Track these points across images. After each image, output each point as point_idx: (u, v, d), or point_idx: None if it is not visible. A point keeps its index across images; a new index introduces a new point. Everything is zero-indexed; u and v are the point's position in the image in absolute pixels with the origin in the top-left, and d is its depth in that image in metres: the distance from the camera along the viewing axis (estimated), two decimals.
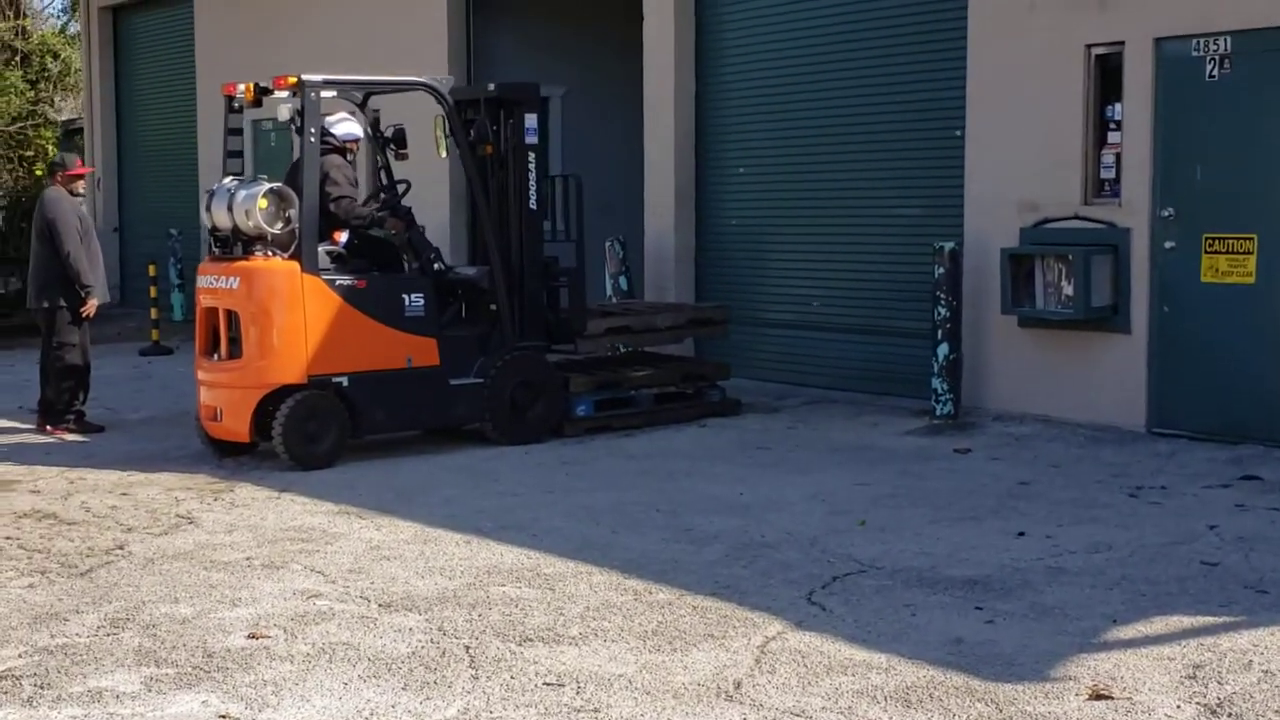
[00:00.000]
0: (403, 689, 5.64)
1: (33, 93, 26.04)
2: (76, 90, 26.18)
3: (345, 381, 10.21)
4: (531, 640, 6.22)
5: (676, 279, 13.77)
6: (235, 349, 10.22)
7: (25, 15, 27.21)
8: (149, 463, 10.46)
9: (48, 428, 11.79)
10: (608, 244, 13.77)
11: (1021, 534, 7.95)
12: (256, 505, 9.01)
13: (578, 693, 5.59)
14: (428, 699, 5.53)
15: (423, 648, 6.12)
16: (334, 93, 10.96)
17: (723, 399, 11.96)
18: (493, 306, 10.90)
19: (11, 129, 25.46)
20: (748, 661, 5.94)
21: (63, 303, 11.71)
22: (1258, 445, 9.74)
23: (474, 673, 5.81)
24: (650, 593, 6.92)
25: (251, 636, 6.26)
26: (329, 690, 5.62)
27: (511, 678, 5.75)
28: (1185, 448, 9.96)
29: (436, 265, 10.88)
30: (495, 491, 9.30)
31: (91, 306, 11.84)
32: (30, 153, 26.10)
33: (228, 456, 10.48)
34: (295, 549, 7.84)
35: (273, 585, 7.10)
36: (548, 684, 5.68)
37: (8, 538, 8.21)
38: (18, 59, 26.24)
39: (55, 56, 26.18)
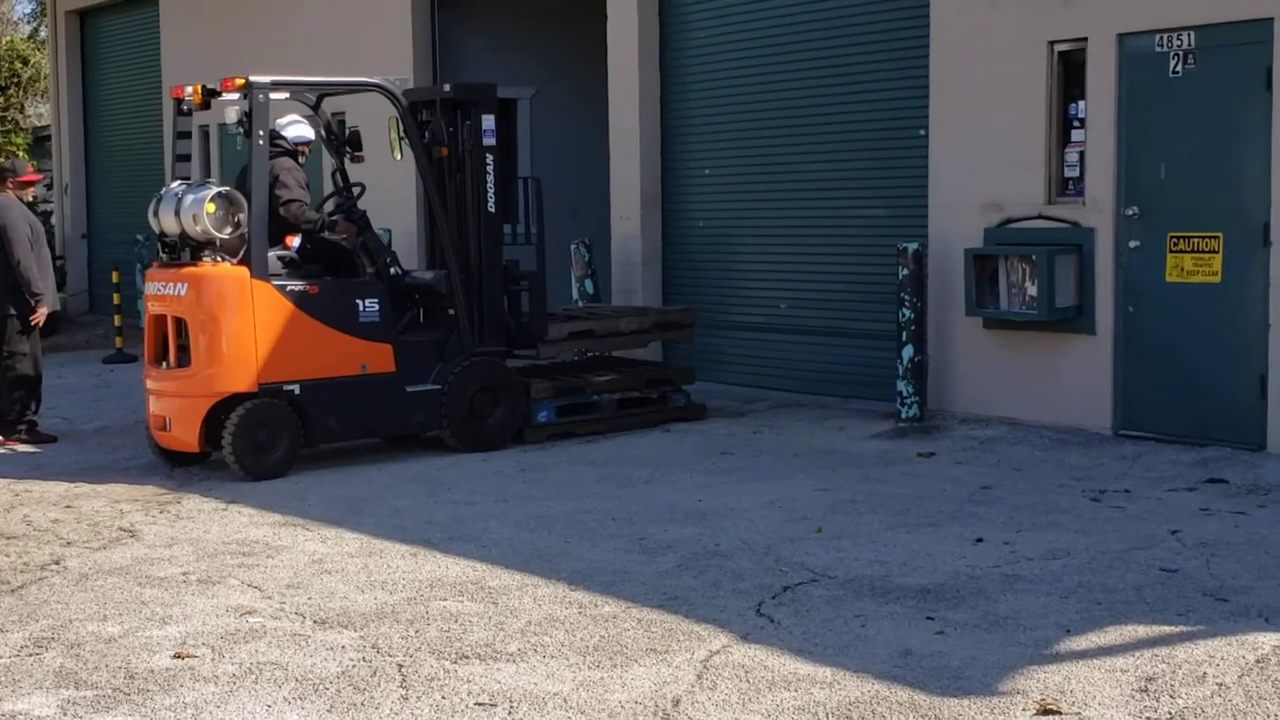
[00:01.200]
0: (328, 710, 5.45)
1: (2, 99, 25.81)
2: (46, 96, 25.95)
3: (297, 389, 10.01)
4: (468, 657, 6.03)
5: (644, 282, 13.60)
6: (184, 357, 10.02)
7: None
8: (98, 474, 10.26)
9: None
10: (573, 247, 13.59)
11: (979, 540, 7.79)
12: (201, 517, 8.82)
13: (510, 713, 5.41)
14: None
15: (354, 667, 5.93)
16: (285, 94, 10.79)
17: (688, 403, 11.78)
18: (450, 311, 10.72)
19: None
20: (689, 677, 5.76)
21: (13, 311, 11.51)
22: (1225, 447, 9.57)
23: (404, 693, 5.63)
24: (596, 605, 6.75)
25: (177, 656, 6.07)
26: (251, 713, 5.44)
27: (442, 698, 5.57)
28: (1151, 450, 9.80)
29: (392, 269, 10.71)
30: (448, 501, 9.11)
31: (41, 315, 11.65)
32: (1, 158, 25.87)
33: (179, 467, 10.29)
34: (235, 563, 7.65)
35: (206, 602, 6.91)
36: (479, 704, 5.50)
37: None
38: None
39: (25, 62, 25.95)
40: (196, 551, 7.93)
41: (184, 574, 7.45)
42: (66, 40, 22.12)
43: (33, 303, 11.47)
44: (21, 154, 25.80)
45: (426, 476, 9.88)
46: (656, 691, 5.61)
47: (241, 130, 10.14)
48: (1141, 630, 6.23)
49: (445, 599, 6.88)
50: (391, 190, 13.89)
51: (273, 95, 10.29)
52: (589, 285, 13.47)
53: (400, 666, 5.92)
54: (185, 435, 9.98)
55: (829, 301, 12.37)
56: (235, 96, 10.13)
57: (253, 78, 9.98)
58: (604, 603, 6.78)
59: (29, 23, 27.34)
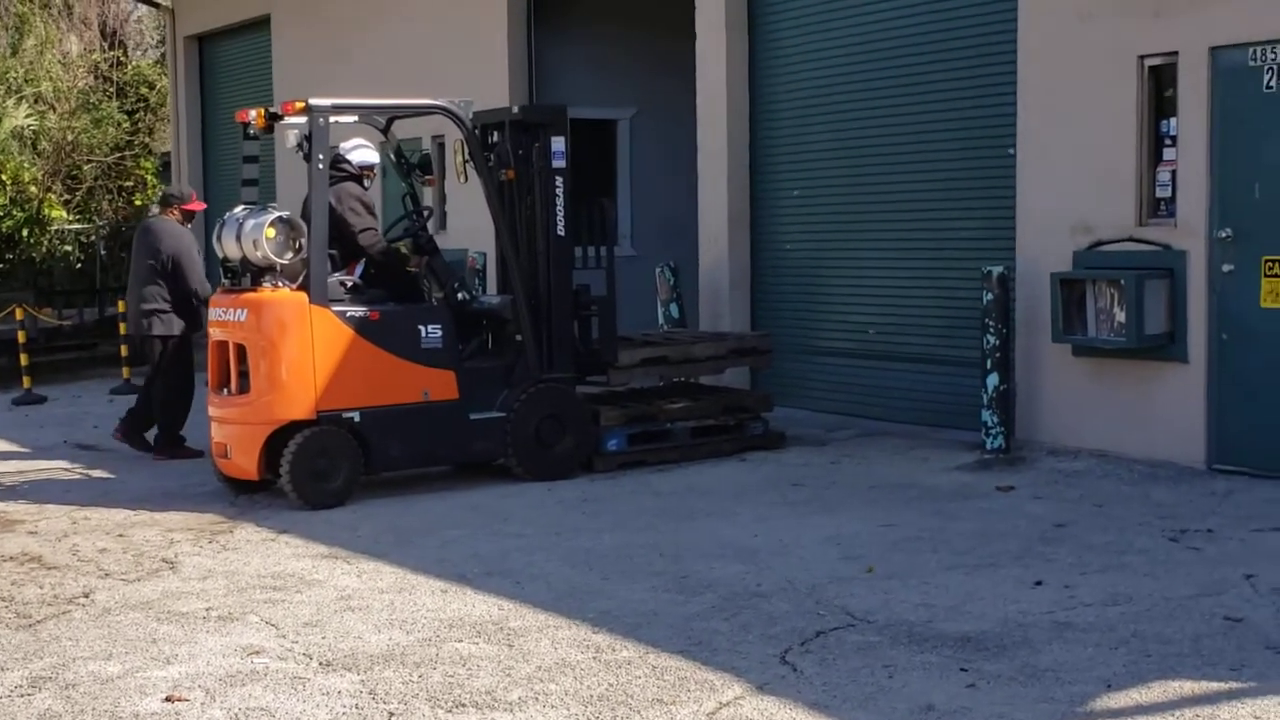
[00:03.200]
0: None
1: (129, 123, 26.15)
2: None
3: (357, 417, 9.84)
4: (465, 706, 5.77)
5: (731, 306, 13.26)
6: (245, 383, 9.90)
7: (122, 46, 27.40)
8: (164, 500, 10.18)
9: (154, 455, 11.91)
10: (658, 270, 13.31)
11: (1039, 583, 7.36)
12: (247, 548, 8.67)
13: None
14: None
15: (343, 714, 5.69)
16: (354, 118, 10.67)
17: (766, 431, 11.42)
18: (518, 337, 10.49)
19: (110, 159, 25.57)
20: None
21: (164, 331, 11.80)
22: None
23: None
24: (614, 650, 6.45)
25: (168, 700, 5.88)
26: None
27: None
28: (1244, 486, 9.27)
29: (459, 294, 10.49)
30: (500, 533, 8.87)
31: None
32: (129, 183, 26.19)
33: (243, 494, 10.18)
34: (262, 598, 7.46)
35: (218, 640, 6.72)
36: None
37: None
38: (114, 90, 26.40)
39: (151, 87, 26.28)
40: (229, 585, 7.77)
41: (207, 609, 7.28)
42: (185, 64, 22.37)
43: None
44: (150, 179, 26.08)
45: (485, 507, 9.65)
46: None
47: (302, 154, 10.00)
48: (1188, 686, 5.79)
49: (460, 640, 6.62)
50: (479, 215, 13.70)
51: (337, 119, 10.17)
52: (674, 309, 13.17)
53: (391, 715, 5.67)
54: (245, 463, 9.86)
55: (918, 326, 11.94)
56: (299, 120, 9.99)
57: (313, 100, 9.84)
58: (623, 646, 6.48)
59: (157, 48, 27.72)
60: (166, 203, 12.45)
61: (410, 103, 10.91)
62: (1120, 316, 9.92)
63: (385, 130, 10.90)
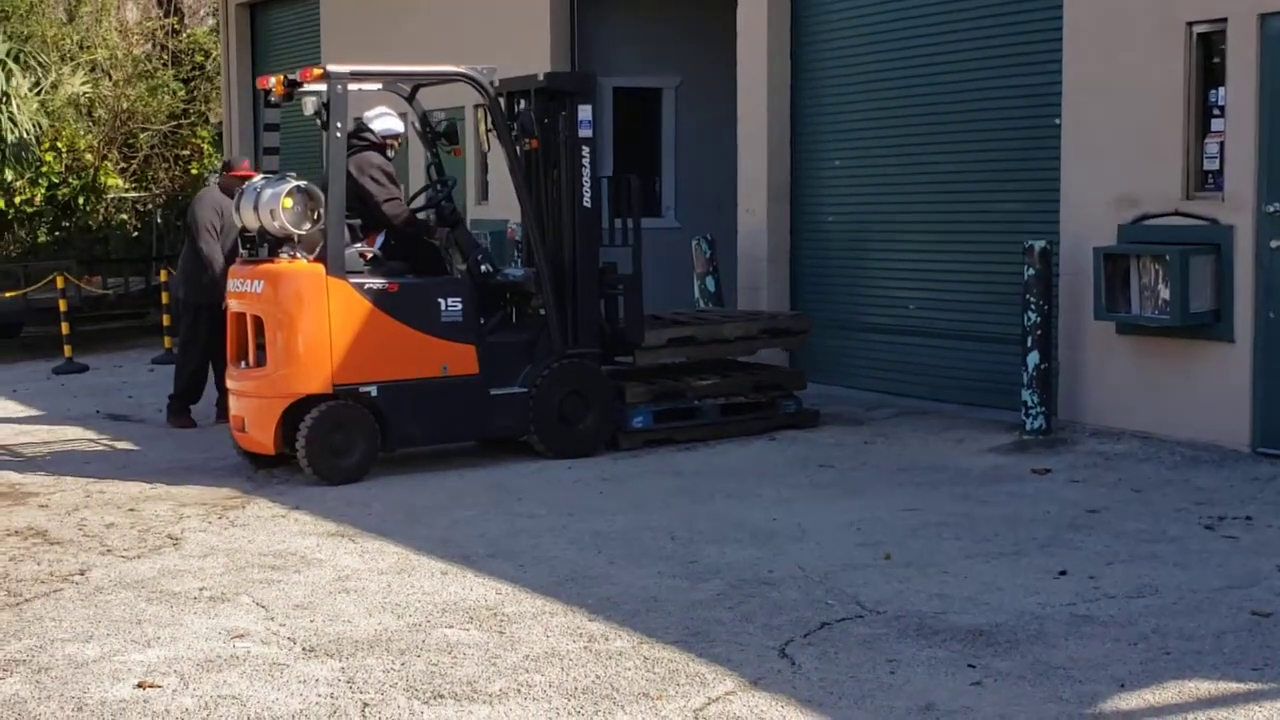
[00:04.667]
0: None
1: (185, 92, 26.05)
2: None
3: (374, 391, 9.63)
4: (443, 697, 5.53)
5: (769, 279, 12.93)
6: (263, 356, 9.71)
7: (179, 13, 27.29)
8: (181, 474, 10.03)
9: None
10: (695, 243, 13.01)
11: (1063, 573, 7.05)
12: (256, 524, 8.48)
13: None
14: None
15: (315, 704, 5.47)
16: (377, 85, 10.45)
17: (798, 410, 11.12)
18: (541, 311, 10.24)
19: (166, 128, 25.50)
20: None
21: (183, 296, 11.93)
22: None
23: None
24: (608, 639, 6.20)
25: (140, 686, 5.68)
26: None
27: None
28: None
29: (484, 267, 10.24)
30: (512, 512, 8.63)
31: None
32: (186, 151, 26.12)
33: (262, 469, 9.99)
34: (259, 578, 7.26)
35: (204, 622, 6.52)
36: None
37: None
38: (170, 58, 26.30)
39: (206, 55, 26.16)
40: (229, 563, 7.57)
41: (201, 589, 7.09)
42: (236, 33, 22.22)
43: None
44: (207, 147, 26.00)
45: (503, 484, 9.42)
46: None
47: (320, 122, 9.78)
48: (1204, 687, 5.47)
49: (451, 626, 6.39)
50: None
51: (360, 87, 9.95)
52: (710, 283, 12.87)
53: (365, 706, 5.44)
54: (261, 437, 9.67)
55: (960, 302, 11.58)
56: (319, 87, 9.76)
57: (330, 67, 9.62)
58: (618, 635, 6.23)
59: (213, 14, 27.58)
60: (225, 169, 12.44)
61: (431, 70, 10.66)
62: (1165, 293, 9.54)
63: (410, 98, 10.66)
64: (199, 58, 26.43)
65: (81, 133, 24.23)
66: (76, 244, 23.51)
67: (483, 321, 10.10)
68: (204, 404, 12.15)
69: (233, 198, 11.69)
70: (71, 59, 25.00)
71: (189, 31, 27.12)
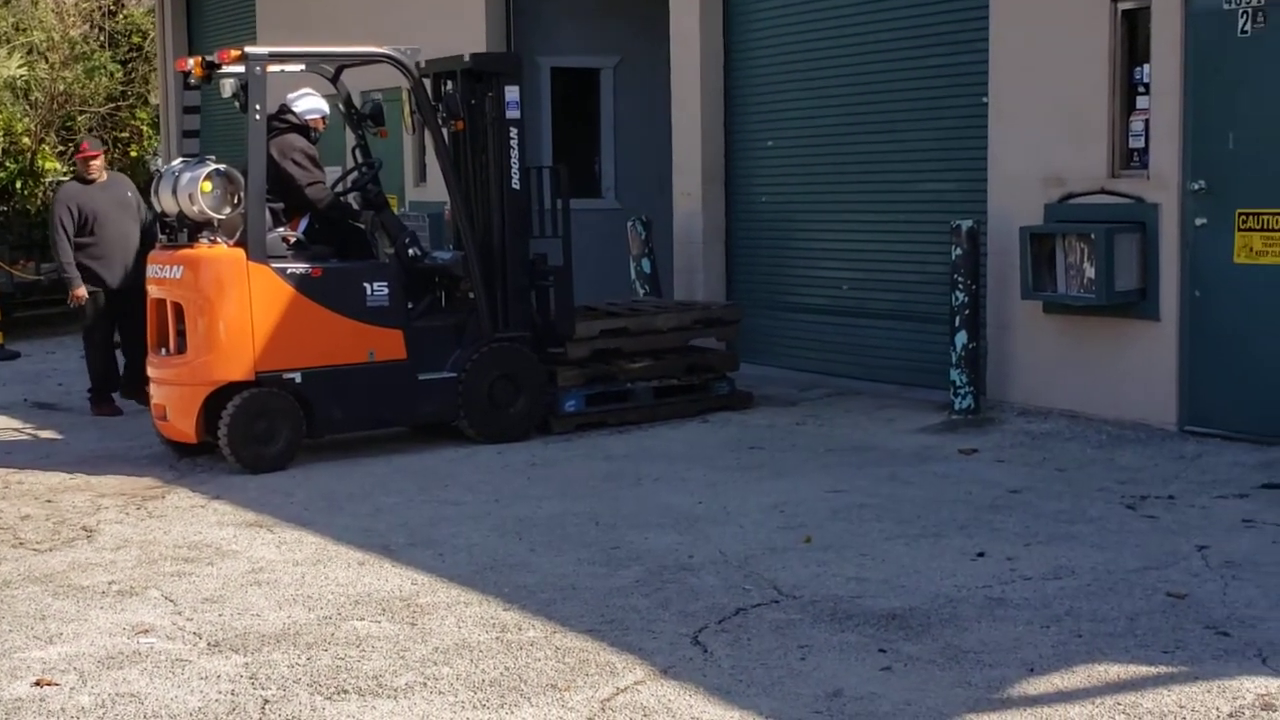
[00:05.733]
0: None
1: (123, 73, 25.76)
2: None
3: (298, 378, 9.53)
4: (347, 692, 5.46)
5: (705, 261, 12.87)
6: (183, 343, 9.59)
7: None
8: (103, 463, 9.91)
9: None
10: (630, 224, 12.92)
11: (981, 554, 7.02)
12: (174, 515, 8.38)
13: None
14: None
15: (214, 701, 5.39)
16: (298, 67, 10.32)
17: (732, 391, 11.07)
18: (470, 295, 10.15)
19: (104, 110, 25.22)
20: None
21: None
22: None
23: None
24: (520, 629, 6.13)
25: (37, 684, 5.58)
26: None
27: None
28: (1214, 449, 8.88)
29: (411, 250, 10.15)
30: (437, 499, 8.56)
31: (77, 295, 11.48)
32: (125, 134, 25.86)
33: (185, 457, 9.88)
34: (171, 570, 7.17)
35: (110, 618, 6.42)
36: None
37: None
38: (106, 39, 26.00)
39: (144, 36, 25.87)
40: (141, 556, 7.47)
41: (110, 583, 6.98)
42: (172, 14, 21.99)
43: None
44: (146, 129, 25.75)
45: (431, 470, 9.34)
46: None
47: (238, 104, 9.66)
48: (1114, 671, 5.45)
49: (363, 619, 6.32)
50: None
51: (278, 67, 9.83)
52: (646, 265, 12.79)
53: (266, 703, 5.36)
54: (183, 425, 9.56)
55: (892, 283, 11.55)
56: (238, 69, 9.64)
57: (248, 49, 9.49)
58: (531, 625, 6.17)
59: None
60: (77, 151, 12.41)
61: (352, 50, 10.53)
62: (1090, 272, 9.53)
63: (334, 80, 10.54)
64: (136, 39, 26.14)
65: (19, 116, 23.95)
66: (15, 229, 23.24)
67: (410, 306, 10.01)
68: None
69: (83, 183, 11.61)
70: (8, 41, 24.69)
71: (126, 12, 26.78)
